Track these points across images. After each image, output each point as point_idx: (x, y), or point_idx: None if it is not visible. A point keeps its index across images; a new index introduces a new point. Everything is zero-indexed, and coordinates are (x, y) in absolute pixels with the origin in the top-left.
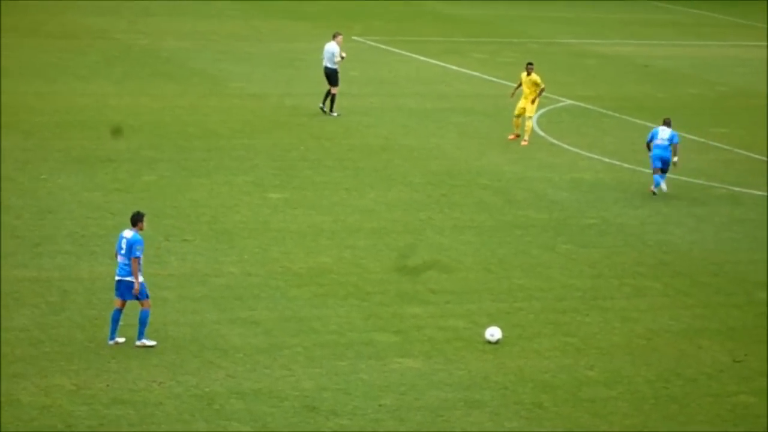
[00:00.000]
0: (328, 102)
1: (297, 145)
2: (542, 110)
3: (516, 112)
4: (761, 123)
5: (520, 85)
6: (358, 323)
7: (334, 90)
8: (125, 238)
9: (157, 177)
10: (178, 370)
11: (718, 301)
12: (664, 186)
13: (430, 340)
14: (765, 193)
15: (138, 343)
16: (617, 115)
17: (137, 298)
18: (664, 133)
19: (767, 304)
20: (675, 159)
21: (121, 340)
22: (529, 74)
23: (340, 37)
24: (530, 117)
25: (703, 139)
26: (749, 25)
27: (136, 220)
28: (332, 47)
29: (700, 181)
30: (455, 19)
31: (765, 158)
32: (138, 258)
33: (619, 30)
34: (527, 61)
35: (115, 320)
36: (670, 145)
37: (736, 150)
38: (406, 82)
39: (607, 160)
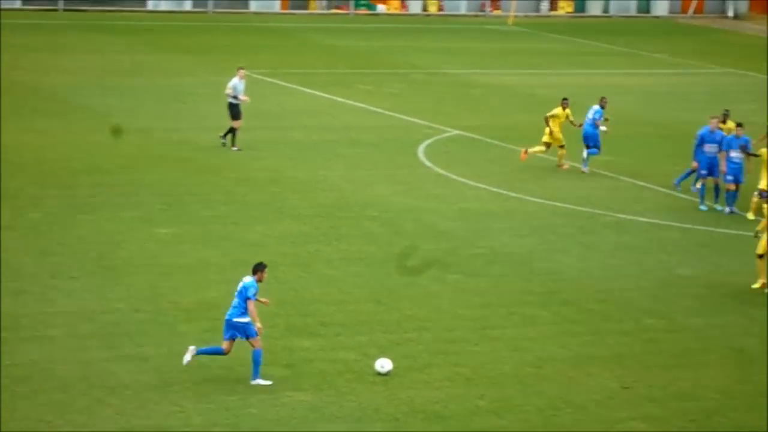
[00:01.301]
0: (229, 136)
1: (184, 179)
2: (428, 141)
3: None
4: (646, 150)
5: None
6: (248, 358)
7: (236, 124)
8: (242, 282)
9: (42, 214)
10: (66, 409)
11: (606, 328)
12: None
13: (321, 373)
14: (650, 220)
15: (253, 382)
16: (503, 144)
17: (247, 338)
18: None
19: (654, 331)
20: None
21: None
22: (564, 109)
23: (242, 72)
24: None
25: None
26: (633, 53)
27: (256, 270)
28: (235, 82)
29: (587, 209)
30: (340, 51)
31: (650, 185)
32: (251, 299)
33: (503, 60)
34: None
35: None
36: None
37: (622, 177)
38: (292, 115)
39: (494, 189)
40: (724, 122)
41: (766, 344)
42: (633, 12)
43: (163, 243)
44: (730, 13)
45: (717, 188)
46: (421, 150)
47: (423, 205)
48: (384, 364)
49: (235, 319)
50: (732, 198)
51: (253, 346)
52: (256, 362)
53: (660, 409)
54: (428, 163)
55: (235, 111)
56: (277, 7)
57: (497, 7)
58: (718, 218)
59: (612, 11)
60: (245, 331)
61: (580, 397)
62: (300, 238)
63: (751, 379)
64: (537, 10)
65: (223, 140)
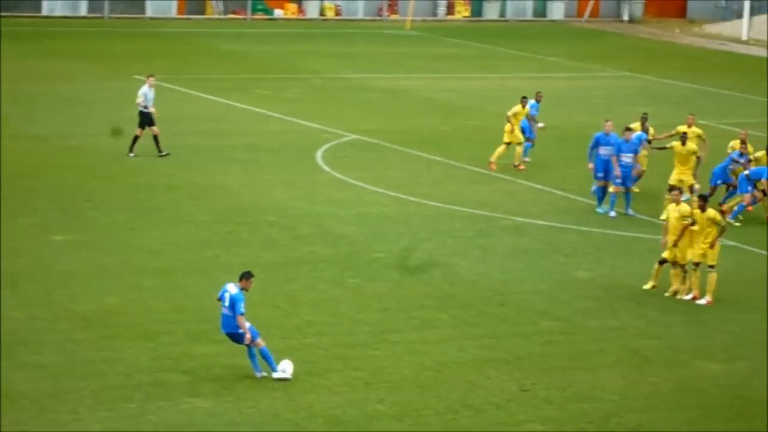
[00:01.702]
0: (154, 145)
1: (80, 186)
2: (327, 145)
3: None
4: (543, 153)
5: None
6: (146, 364)
7: (154, 131)
8: (229, 292)
9: None
10: None
11: (505, 331)
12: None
13: (220, 378)
14: (548, 223)
15: (275, 375)
16: (401, 148)
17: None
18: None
19: (552, 333)
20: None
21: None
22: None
23: (152, 80)
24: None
25: (485, 171)
26: (529, 57)
27: (242, 277)
28: (145, 90)
29: (485, 213)
30: (237, 55)
31: (547, 188)
32: (242, 314)
33: (401, 64)
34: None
35: (252, 355)
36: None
37: (519, 181)
38: (189, 120)
39: (392, 193)
40: (643, 126)
41: (662, 345)
42: (529, 16)
43: (59, 250)
44: (625, 17)
45: (605, 190)
46: (319, 155)
47: (321, 209)
48: (285, 368)
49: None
50: (626, 200)
51: (258, 346)
52: (268, 358)
53: (558, 411)
54: (327, 168)
55: (147, 119)
56: (173, 11)
57: (394, 11)
58: (614, 221)
59: (509, 15)
60: (243, 339)
61: (479, 400)
62: (198, 244)
63: (647, 380)
64: (434, 14)
65: (161, 153)
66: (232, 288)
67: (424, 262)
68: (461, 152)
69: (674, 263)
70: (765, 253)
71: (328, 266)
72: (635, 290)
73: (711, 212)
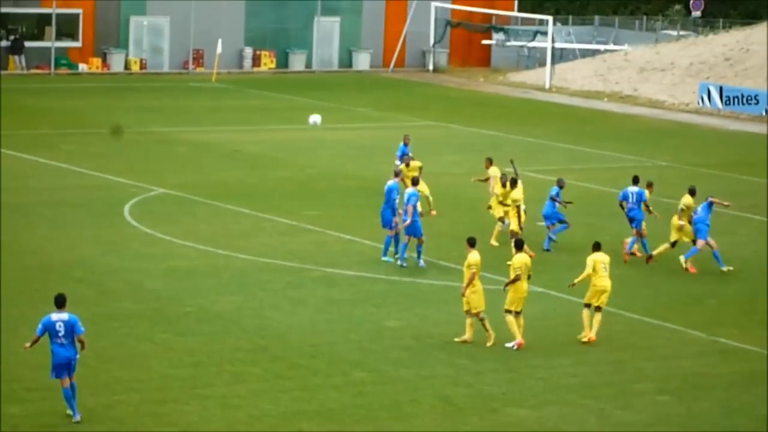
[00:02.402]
0: None
1: None
2: (135, 200)
3: None
4: (351, 204)
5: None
6: None
7: None
8: (63, 320)
9: None
10: None
11: (316, 382)
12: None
13: None
14: (358, 273)
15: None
16: (210, 201)
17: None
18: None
19: (363, 384)
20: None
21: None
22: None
23: None
24: None
25: (295, 222)
26: (337, 108)
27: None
28: None
29: (295, 264)
30: (42, 111)
31: (356, 238)
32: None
33: (208, 117)
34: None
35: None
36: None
37: (328, 231)
38: None
39: (201, 247)
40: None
41: (473, 393)
42: (335, 66)
43: None
44: (431, 67)
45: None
46: (127, 209)
47: (130, 264)
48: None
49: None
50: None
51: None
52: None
53: None
54: (134, 223)
55: None
56: None
57: (200, 65)
58: (423, 270)
59: (315, 66)
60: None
61: None
62: (5, 301)
63: (458, 428)
64: (240, 66)
65: None
66: (63, 315)
67: (234, 316)
68: (270, 204)
69: (467, 312)
70: (573, 298)
71: (137, 322)
72: (444, 339)
73: (523, 257)
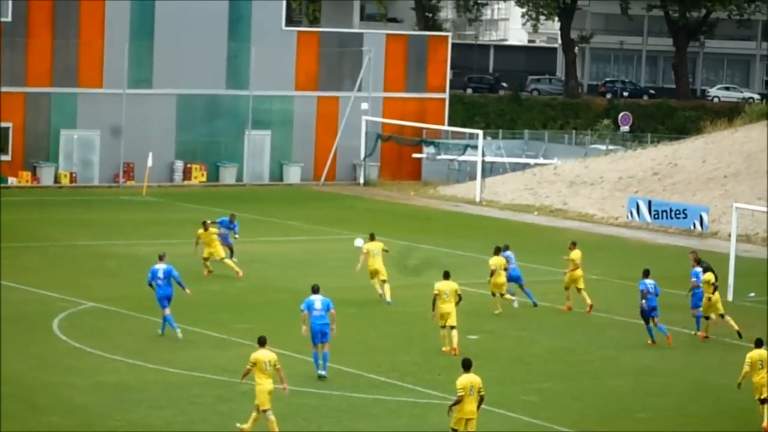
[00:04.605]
0: None
1: None
2: (63, 314)
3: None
4: (282, 318)
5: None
6: None
7: None
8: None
9: None
10: None
11: None
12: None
13: None
14: (289, 387)
15: None
16: (139, 315)
17: None
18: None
19: None
20: None
21: None
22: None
23: None
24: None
25: (225, 336)
26: (267, 221)
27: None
28: None
29: (225, 378)
30: None
31: (287, 352)
32: None
33: (138, 230)
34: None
35: None
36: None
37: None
38: None
39: (130, 361)
40: None
41: None
42: (266, 180)
43: None
44: (361, 180)
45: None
46: (56, 323)
47: (59, 379)
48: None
49: None
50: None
51: None
52: None
53: None
54: (63, 337)
55: None
56: None
57: (131, 178)
58: (353, 384)
59: (246, 179)
60: None
61: None
62: None
63: None
64: (171, 179)
65: None
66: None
67: (164, 430)
68: (200, 317)
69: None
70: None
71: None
72: None
73: (470, 377)
